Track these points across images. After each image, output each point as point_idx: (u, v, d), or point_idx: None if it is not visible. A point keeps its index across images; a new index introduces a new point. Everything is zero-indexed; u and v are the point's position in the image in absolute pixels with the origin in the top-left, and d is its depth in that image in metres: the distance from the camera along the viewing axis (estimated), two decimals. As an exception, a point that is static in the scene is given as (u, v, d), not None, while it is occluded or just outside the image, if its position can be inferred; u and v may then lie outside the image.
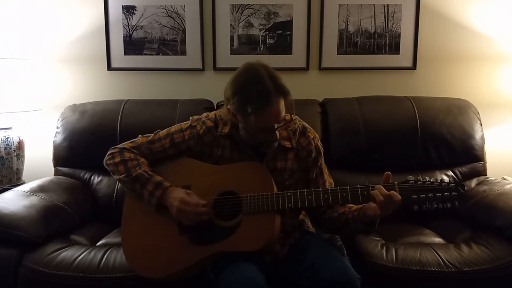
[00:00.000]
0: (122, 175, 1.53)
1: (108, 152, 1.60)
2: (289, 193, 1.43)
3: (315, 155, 1.59)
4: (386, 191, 1.33)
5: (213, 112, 1.65)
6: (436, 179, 1.36)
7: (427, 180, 1.36)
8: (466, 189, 1.35)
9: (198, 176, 1.54)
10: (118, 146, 1.61)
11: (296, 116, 1.63)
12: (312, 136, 1.60)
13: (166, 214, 1.51)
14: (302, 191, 1.44)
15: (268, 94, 1.39)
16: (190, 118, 1.64)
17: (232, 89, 1.44)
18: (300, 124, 1.62)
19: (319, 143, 1.63)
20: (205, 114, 1.64)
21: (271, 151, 1.54)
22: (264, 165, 1.52)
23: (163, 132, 1.61)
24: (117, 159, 1.56)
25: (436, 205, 1.33)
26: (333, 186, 1.61)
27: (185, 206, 1.45)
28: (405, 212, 1.34)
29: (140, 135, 1.63)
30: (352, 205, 1.50)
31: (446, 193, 1.33)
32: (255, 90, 1.40)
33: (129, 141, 1.62)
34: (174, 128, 1.62)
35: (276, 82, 1.41)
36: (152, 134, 1.62)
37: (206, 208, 1.47)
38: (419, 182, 1.36)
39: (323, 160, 1.63)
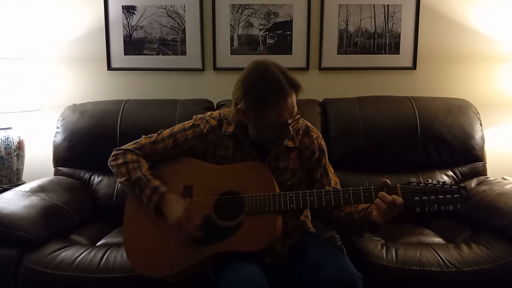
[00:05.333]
0: (123, 178, 1.53)
1: (112, 153, 1.59)
2: (291, 194, 1.43)
3: (318, 154, 1.58)
4: (389, 198, 1.33)
5: (217, 111, 1.63)
6: (439, 181, 1.36)
7: (430, 182, 1.36)
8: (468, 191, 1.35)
9: (200, 176, 1.53)
10: (122, 147, 1.60)
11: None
12: (315, 136, 1.60)
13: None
14: (304, 192, 1.44)
15: (283, 88, 1.38)
16: (194, 117, 1.62)
17: (244, 87, 1.42)
18: (303, 123, 1.61)
19: (323, 143, 1.62)
20: (209, 113, 1.63)
21: (276, 150, 1.53)
22: (266, 165, 1.51)
23: (166, 132, 1.60)
24: (120, 161, 1.55)
25: (438, 207, 1.32)
26: (338, 185, 1.61)
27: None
28: (406, 214, 1.34)
29: (143, 136, 1.62)
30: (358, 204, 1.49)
31: (448, 196, 1.32)
32: (270, 85, 1.39)
33: (133, 142, 1.61)
34: (177, 127, 1.60)
35: (288, 76, 1.41)
36: (155, 134, 1.61)
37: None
38: (421, 184, 1.36)
39: (327, 159, 1.62)
